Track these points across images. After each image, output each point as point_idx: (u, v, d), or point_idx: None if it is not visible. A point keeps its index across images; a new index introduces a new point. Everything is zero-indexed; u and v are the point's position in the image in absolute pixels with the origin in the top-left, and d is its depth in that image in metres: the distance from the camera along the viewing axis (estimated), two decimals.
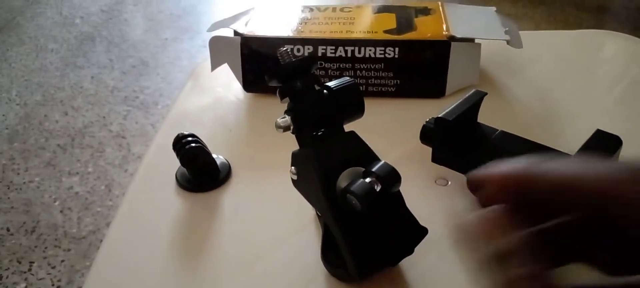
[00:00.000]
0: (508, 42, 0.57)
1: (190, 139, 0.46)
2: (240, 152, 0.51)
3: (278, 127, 0.36)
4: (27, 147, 1.74)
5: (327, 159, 0.36)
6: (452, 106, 0.43)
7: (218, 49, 0.57)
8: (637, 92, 0.58)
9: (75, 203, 1.51)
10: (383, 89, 0.57)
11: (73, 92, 2.03)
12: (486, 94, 0.45)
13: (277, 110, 0.58)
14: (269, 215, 0.44)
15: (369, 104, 0.56)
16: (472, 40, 0.56)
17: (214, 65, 0.58)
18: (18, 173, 1.63)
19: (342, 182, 0.35)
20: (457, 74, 0.56)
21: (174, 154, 0.46)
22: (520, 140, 0.44)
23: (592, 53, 0.66)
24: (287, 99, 0.37)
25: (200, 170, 0.47)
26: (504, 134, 0.44)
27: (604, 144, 0.39)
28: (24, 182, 1.59)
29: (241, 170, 0.49)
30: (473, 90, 0.46)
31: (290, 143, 0.52)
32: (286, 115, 0.36)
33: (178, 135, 0.46)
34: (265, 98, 0.59)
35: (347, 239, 0.34)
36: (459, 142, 0.43)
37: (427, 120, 0.45)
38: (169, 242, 0.42)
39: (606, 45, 0.67)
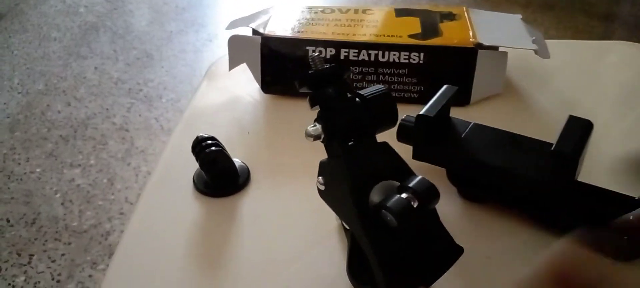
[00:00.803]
0: (536, 52, 0.55)
1: (210, 142, 0.44)
2: (259, 155, 0.50)
3: (308, 135, 0.35)
4: (28, 136, 1.72)
5: (358, 171, 0.34)
6: (430, 103, 0.44)
7: (237, 48, 0.56)
8: None
9: (77, 196, 1.49)
10: (406, 95, 0.55)
11: (76, 82, 2.01)
12: (457, 88, 0.46)
13: (295, 112, 0.56)
14: (289, 223, 0.43)
15: None
16: (497, 48, 0.55)
17: (232, 65, 0.57)
18: (19, 164, 1.61)
19: (375, 196, 0.33)
20: (482, 81, 0.55)
21: (190, 156, 0.45)
22: (494, 131, 0.45)
23: (618, 65, 0.65)
24: (317, 107, 0.35)
25: (219, 175, 0.45)
26: (477, 126, 0.45)
27: (577, 129, 0.40)
28: (25, 173, 1.57)
29: (260, 175, 0.47)
30: (445, 86, 0.46)
31: (310, 147, 0.50)
32: (316, 124, 0.35)
33: (198, 137, 0.45)
34: (283, 100, 0.57)
35: (379, 256, 0.33)
36: (438, 137, 0.44)
37: (403, 118, 0.46)
38: (185, 248, 0.41)
39: (634, 58, 0.66)
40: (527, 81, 0.60)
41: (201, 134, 0.45)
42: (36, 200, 1.48)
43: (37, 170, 1.59)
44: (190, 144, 0.45)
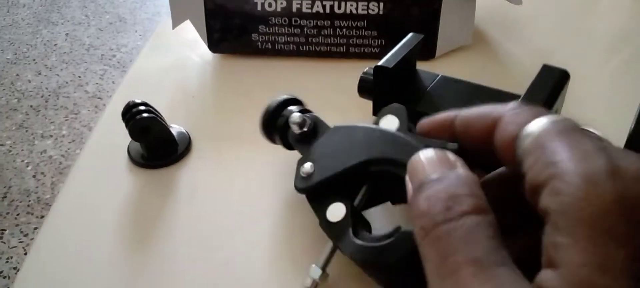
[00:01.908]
0: None
1: (141, 108, 0.40)
2: (202, 121, 0.45)
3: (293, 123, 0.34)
4: None
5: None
6: (390, 54, 0.40)
7: (179, 3, 0.51)
8: None
9: (49, 168, 1.45)
10: (366, 50, 0.51)
11: (46, 50, 1.93)
12: (423, 36, 0.42)
13: (246, 73, 0.52)
14: (232, 195, 0.39)
15: (350, 67, 0.50)
16: None
17: (175, 22, 0.51)
18: None
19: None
20: (448, 33, 0.50)
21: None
22: (462, 83, 0.41)
23: (597, 14, 0.60)
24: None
25: (153, 144, 0.41)
26: (445, 79, 0.42)
27: (550, 79, 0.36)
28: None
29: (203, 142, 0.43)
30: (410, 34, 0.42)
31: (261, 111, 0.46)
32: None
33: (127, 103, 0.40)
34: (233, 59, 0.53)
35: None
36: (400, 91, 0.40)
37: (364, 70, 0.42)
38: (118, 224, 0.37)
39: (613, 7, 0.61)
40: (498, 31, 0.56)
41: (132, 100, 0.40)
42: (7, 174, 1.43)
43: (7, 142, 1.54)
44: None
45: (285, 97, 0.37)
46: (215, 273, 0.33)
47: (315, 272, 0.29)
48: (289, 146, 0.37)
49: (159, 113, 0.41)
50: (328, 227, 0.29)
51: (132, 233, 0.37)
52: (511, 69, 0.51)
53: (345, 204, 0.29)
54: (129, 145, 0.42)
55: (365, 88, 0.42)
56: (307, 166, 0.31)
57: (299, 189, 0.32)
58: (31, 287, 0.33)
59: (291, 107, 0.36)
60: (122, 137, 0.42)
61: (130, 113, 0.39)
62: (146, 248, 0.35)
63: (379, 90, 0.40)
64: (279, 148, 0.38)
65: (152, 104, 0.41)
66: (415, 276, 0.28)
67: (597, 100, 0.46)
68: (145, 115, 0.39)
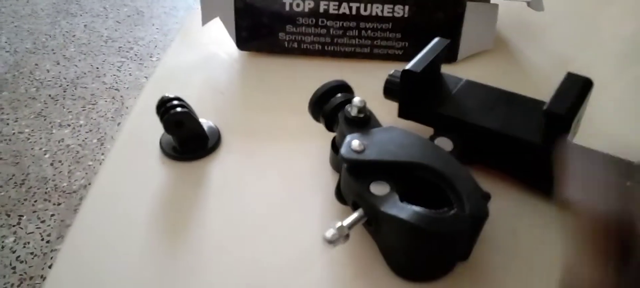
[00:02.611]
0: (528, 4, 0.51)
1: (175, 102, 0.41)
2: (231, 117, 0.47)
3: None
4: (16, 96, 1.69)
5: None
6: (417, 58, 0.41)
7: (209, 1, 0.52)
8: None
9: (66, 157, 1.47)
10: (390, 52, 0.52)
11: (65, 40, 1.96)
12: (449, 41, 0.43)
13: (272, 71, 0.53)
14: (261, 188, 0.40)
15: (374, 68, 0.52)
16: (488, 0, 0.51)
17: (205, 19, 0.53)
18: (7, 124, 1.58)
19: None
20: (471, 37, 0.51)
21: (158, 118, 0.42)
22: (486, 88, 0.42)
23: (617, 20, 0.61)
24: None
25: (185, 137, 0.42)
26: (469, 83, 0.43)
27: (574, 87, 0.37)
28: (13, 133, 1.55)
29: (232, 137, 0.45)
30: (436, 39, 0.43)
31: (287, 109, 0.47)
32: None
33: (162, 98, 0.42)
34: (260, 57, 0.54)
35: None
36: (425, 94, 0.41)
37: (390, 73, 0.43)
38: (150, 216, 0.38)
39: (634, 13, 0.62)
40: (520, 36, 0.57)
41: (166, 94, 0.42)
42: (25, 161, 1.46)
43: (26, 130, 1.56)
44: None
45: (340, 82, 0.40)
46: (244, 265, 0.35)
47: (342, 228, 0.31)
48: (329, 126, 0.40)
49: (191, 108, 0.43)
50: (371, 197, 0.32)
51: (164, 223, 0.38)
52: (531, 74, 0.52)
53: (389, 184, 0.32)
54: (161, 138, 0.44)
55: (391, 90, 0.43)
56: (356, 143, 0.34)
57: (346, 159, 0.34)
58: (66, 277, 0.35)
59: (341, 93, 0.39)
60: (153, 130, 0.44)
61: (165, 107, 0.41)
62: (177, 238, 0.37)
63: (405, 93, 0.41)
64: (305, 145, 0.39)
65: (183, 99, 0.43)
66: (459, 249, 0.31)
67: (616, 107, 0.47)
68: (179, 109, 0.41)
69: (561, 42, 0.57)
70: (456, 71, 0.45)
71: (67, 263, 0.36)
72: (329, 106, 0.39)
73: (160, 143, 0.44)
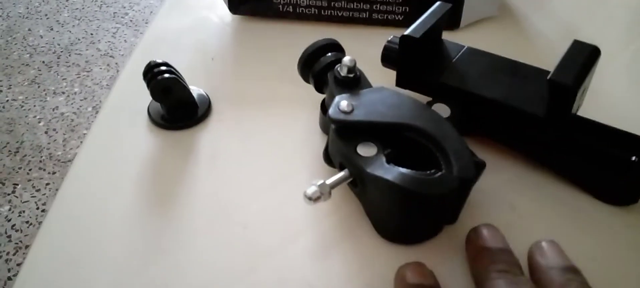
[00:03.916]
0: None
1: (163, 68, 0.39)
2: (222, 84, 0.45)
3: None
4: (9, 63, 1.66)
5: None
6: (417, 23, 0.39)
7: None
8: None
9: (61, 125, 1.45)
10: (389, 17, 0.50)
11: (58, 5, 1.92)
12: (451, 5, 0.41)
13: (266, 36, 0.51)
14: (252, 158, 0.38)
15: (372, 34, 0.50)
16: None
17: None
18: (1, 91, 1.56)
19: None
20: (474, 2, 0.49)
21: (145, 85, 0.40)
22: (488, 57, 0.40)
23: None
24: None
25: (173, 105, 0.40)
26: (471, 51, 0.41)
27: (580, 55, 0.35)
28: (7, 100, 1.53)
29: (223, 105, 0.43)
30: (438, 3, 0.41)
31: (280, 76, 0.45)
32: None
33: (149, 63, 0.40)
34: (253, 22, 0.52)
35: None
36: (425, 62, 0.39)
37: (389, 39, 0.41)
38: (137, 185, 0.37)
39: None
40: (524, 3, 0.54)
41: (154, 60, 0.40)
42: (19, 129, 1.44)
43: (20, 97, 1.54)
44: None
45: (331, 40, 0.38)
46: (233, 235, 0.33)
47: (324, 186, 0.30)
48: (319, 87, 0.38)
49: (180, 74, 0.41)
50: (357, 158, 0.31)
51: (152, 193, 0.37)
52: (536, 43, 0.50)
53: (377, 146, 0.31)
54: (149, 106, 0.42)
55: (389, 57, 0.41)
56: (344, 104, 0.33)
57: (334, 120, 0.33)
58: (50, 245, 0.34)
59: (331, 53, 0.38)
60: (141, 97, 0.42)
61: (152, 73, 0.39)
62: (165, 208, 0.35)
63: (403, 60, 0.39)
64: (295, 113, 0.37)
65: (171, 65, 0.41)
66: (446, 212, 0.30)
67: (623, 78, 0.45)
68: (166, 75, 0.39)
69: (568, 10, 0.54)
70: (459, 38, 0.43)
71: (53, 231, 0.34)
72: (319, 65, 0.37)
73: (148, 111, 0.42)
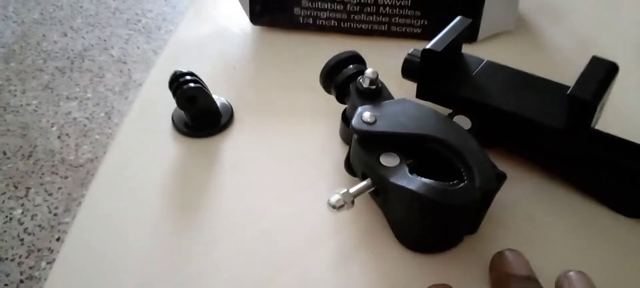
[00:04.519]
0: None
1: (188, 77, 0.40)
2: (244, 93, 0.46)
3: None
4: (24, 68, 1.68)
5: None
6: (438, 37, 0.40)
7: None
8: None
9: (74, 130, 1.47)
10: (408, 30, 0.51)
11: (72, 11, 1.94)
12: (471, 20, 0.42)
13: (286, 47, 0.52)
14: (273, 167, 0.39)
15: (391, 46, 0.50)
16: None
17: None
18: (15, 95, 1.58)
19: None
20: (492, 17, 0.50)
21: (170, 93, 0.41)
22: (507, 70, 0.41)
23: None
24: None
25: (198, 113, 0.41)
26: (490, 64, 0.41)
27: (599, 71, 0.36)
28: (21, 105, 1.54)
29: (244, 113, 0.44)
30: (458, 18, 0.42)
31: (300, 86, 0.46)
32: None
33: (175, 72, 0.41)
34: (273, 33, 0.53)
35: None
36: (446, 74, 0.40)
37: (410, 52, 0.42)
38: (161, 192, 0.38)
39: None
40: (541, 17, 0.55)
41: (179, 69, 0.41)
42: (33, 133, 1.46)
43: (34, 102, 1.56)
44: None
45: (353, 52, 0.39)
46: (254, 242, 0.34)
47: (347, 194, 0.31)
48: (340, 97, 0.39)
49: (204, 83, 0.42)
50: (380, 168, 0.32)
51: (176, 200, 0.37)
52: (553, 57, 0.50)
53: (399, 156, 0.32)
54: (173, 114, 0.43)
55: (409, 70, 0.42)
56: (367, 115, 0.34)
57: (357, 130, 0.33)
58: (76, 252, 0.34)
59: (353, 65, 0.39)
60: (166, 105, 0.43)
61: (178, 82, 0.40)
62: (189, 215, 0.36)
63: (425, 72, 0.40)
64: (316, 123, 0.38)
65: (196, 74, 0.42)
66: (468, 222, 0.31)
67: (637, 92, 0.46)
68: (192, 85, 0.40)
69: (583, 25, 0.55)
70: (476, 51, 0.44)
71: (77, 239, 0.35)
72: (341, 77, 0.38)
73: (173, 118, 0.43)
